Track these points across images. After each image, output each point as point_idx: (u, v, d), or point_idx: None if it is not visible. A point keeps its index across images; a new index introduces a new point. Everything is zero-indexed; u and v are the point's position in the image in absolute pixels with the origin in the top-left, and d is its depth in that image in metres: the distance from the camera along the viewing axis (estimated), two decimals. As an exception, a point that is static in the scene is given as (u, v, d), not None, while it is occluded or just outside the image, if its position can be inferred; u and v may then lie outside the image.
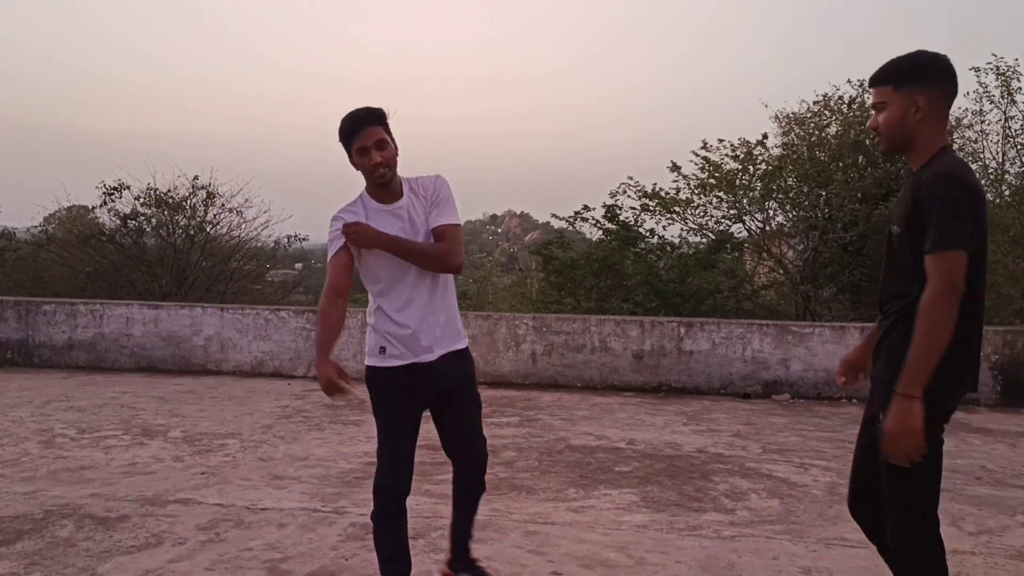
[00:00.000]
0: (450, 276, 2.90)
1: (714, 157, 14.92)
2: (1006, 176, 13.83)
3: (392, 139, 2.78)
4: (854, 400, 7.88)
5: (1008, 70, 13.31)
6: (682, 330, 8.28)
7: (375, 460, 5.21)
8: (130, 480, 4.74)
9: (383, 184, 2.77)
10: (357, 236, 2.74)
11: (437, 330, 2.84)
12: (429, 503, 4.35)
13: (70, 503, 4.26)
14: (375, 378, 2.86)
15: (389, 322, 2.83)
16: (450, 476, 5.01)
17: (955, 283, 2.16)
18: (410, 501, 4.35)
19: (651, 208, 14.77)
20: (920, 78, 2.30)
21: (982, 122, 14.23)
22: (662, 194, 14.85)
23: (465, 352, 2.97)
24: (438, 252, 2.78)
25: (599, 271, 13.48)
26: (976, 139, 14.60)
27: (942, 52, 2.32)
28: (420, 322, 2.82)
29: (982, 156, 14.37)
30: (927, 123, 2.29)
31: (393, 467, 2.85)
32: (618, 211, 14.55)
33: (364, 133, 2.72)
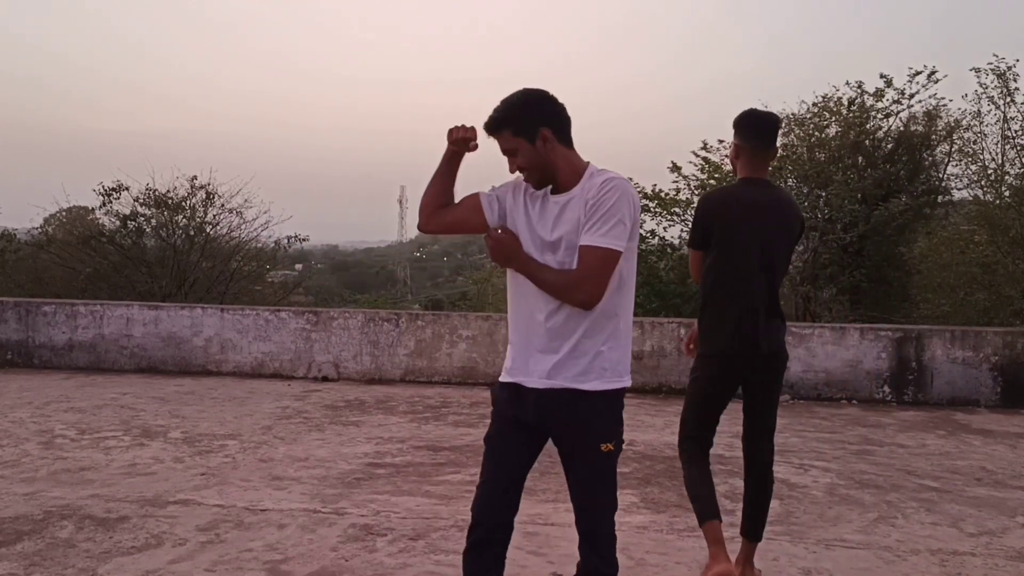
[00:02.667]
0: (622, 294, 2.32)
1: (714, 158, 14.92)
2: (1006, 177, 13.83)
3: (533, 135, 2.29)
4: (854, 401, 7.88)
5: (1007, 71, 13.32)
6: (682, 331, 8.28)
7: (375, 461, 5.20)
8: (130, 481, 4.74)
9: (536, 188, 2.35)
10: (497, 248, 2.31)
11: (556, 353, 2.27)
12: (429, 504, 4.35)
13: (70, 504, 4.25)
14: (494, 389, 2.47)
15: (513, 328, 2.40)
16: (450, 477, 5.04)
17: (692, 272, 3.45)
18: (409, 503, 4.37)
19: (651, 209, 14.77)
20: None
21: (980, 123, 14.24)
22: (662, 195, 14.85)
23: (592, 397, 2.27)
24: (563, 283, 2.23)
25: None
26: (975, 140, 14.60)
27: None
28: (539, 338, 2.31)
29: (981, 157, 14.38)
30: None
31: (482, 492, 2.40)
32: None
33: (496, 140, 2.35)
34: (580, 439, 2.30)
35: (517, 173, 2.39)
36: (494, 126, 2.33)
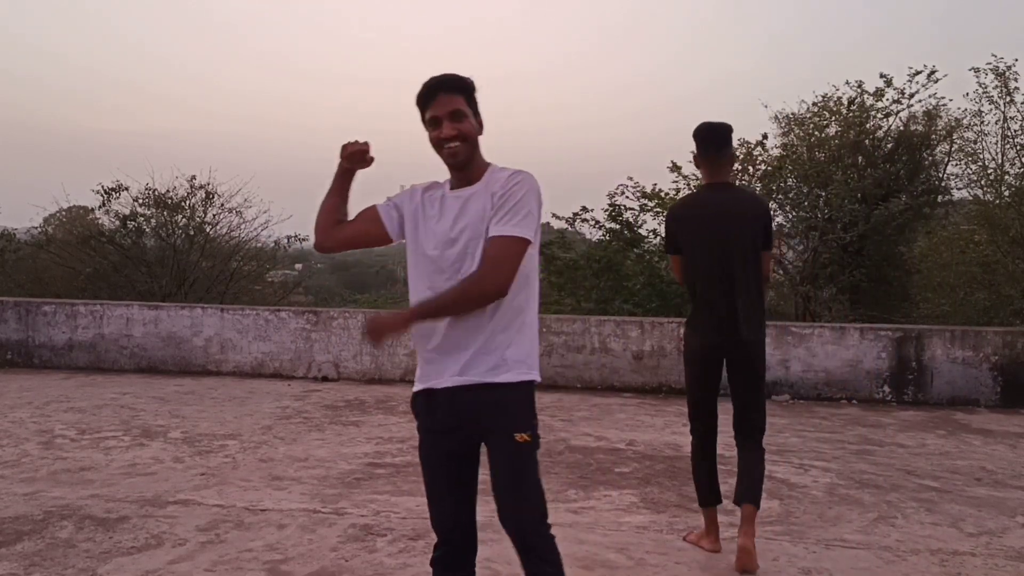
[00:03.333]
0: (528, 289, 2.30)
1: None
2: (1006, 177, 13.83)
3: (475, 114, 2.30)
4: (854, 401, 7.88)
5: (1007, 70, 13.31)
6: (682, 331, 8.25)
7: (375, 461, 5.21)
8: (130, 481, 4.74)
9: (455, 165, 2.29)
10: (374, 330, 2.25)
11: (467, 351, 2.24)
12: (429, 504, 4.34)
13: (70, 504, 4.25)
14: (411, 402, 2.44)
15: (418, 332, 2.31)
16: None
17: (675, 275, 3.92)
18: (409, 502, 4.37)
19: (651, 209, 14.77)
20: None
21: (981, 123, 14.24)
22: (662, 195, 14.84)
23: (504, 388, 2.25)
24: (470, 284, 2.18)
25: (600, 272, 13.48)
26: (975, 140, 14.61)
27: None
28: (446, 338, 2.26)
29: (981, 157, 14.38)
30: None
31: (434, 511, 2.39)
32: (623, 210, 14.55)
33: (438, 100, 2.24)
34: (494, 429, 2.26)
35: (414, 183, 2.40)
36: (454, 85, 2.27)
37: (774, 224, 17.81)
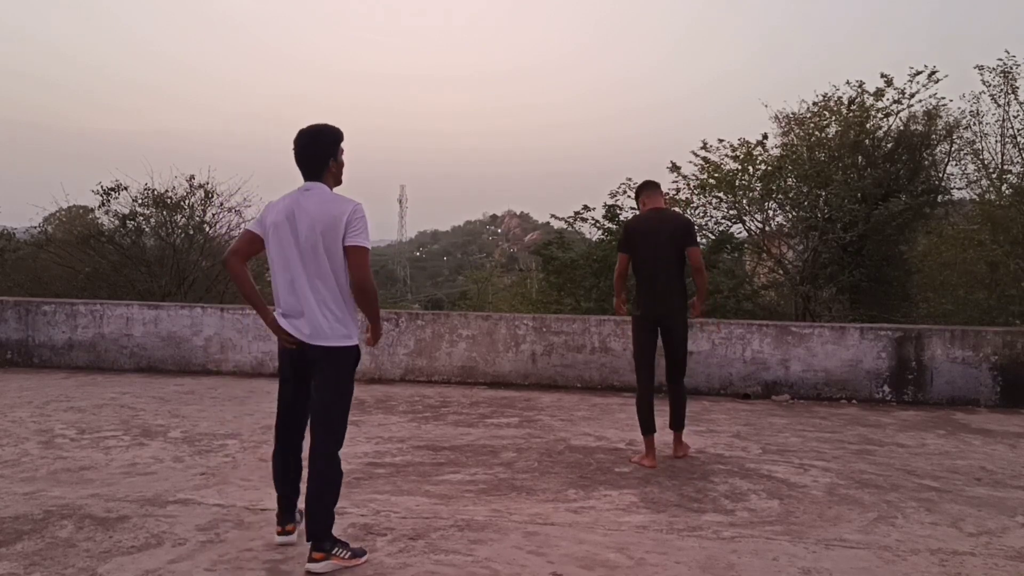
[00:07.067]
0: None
1: (714, 157, 14.93)
2: (1007, 176, 13.83)
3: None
4: (853, 401, 7.88)
5: (1013, 68, 13.28)
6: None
7: (375, 461, 5.19)
8: (130, 480, 4.73)
9: None
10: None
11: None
12: (429, 503, 4.35)
13: (70, 503, 4.25)
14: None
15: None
16: (450, 477, 5.05)
17: (616, 270, 5.51)
18: (409, 502, 4.38)
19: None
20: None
21: (979, 122, 14.25)
22: (661, 194, 14.83)
23: None
24: None
25: (599, 271, 13.48)
26: (974, 140, 14.61)
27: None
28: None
29: (981, 156, 14.38)
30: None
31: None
32: (619, 211, 14.55)
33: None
34: None
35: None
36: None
37: (774, 224, 17.70)
